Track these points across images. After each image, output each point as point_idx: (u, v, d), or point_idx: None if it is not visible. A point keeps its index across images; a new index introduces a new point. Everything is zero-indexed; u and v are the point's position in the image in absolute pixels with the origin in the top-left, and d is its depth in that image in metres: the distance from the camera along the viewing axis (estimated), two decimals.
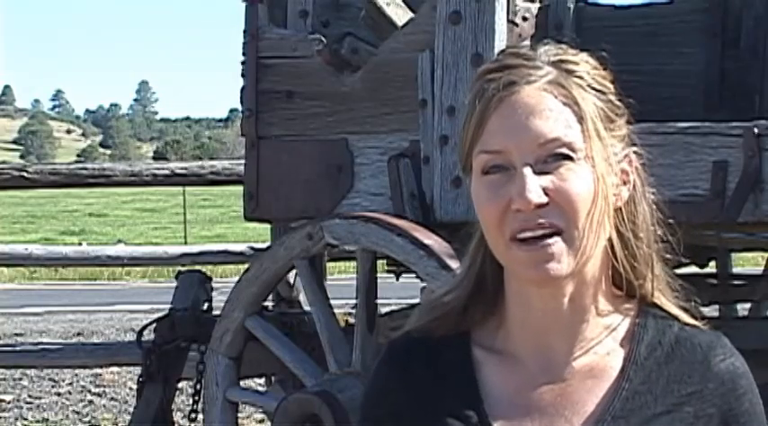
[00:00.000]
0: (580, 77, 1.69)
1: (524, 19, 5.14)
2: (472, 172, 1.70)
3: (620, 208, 1.71)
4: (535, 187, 1.63)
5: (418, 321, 1.79)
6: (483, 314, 1.76)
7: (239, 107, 5.16)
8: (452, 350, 1.75)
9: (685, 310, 1.76)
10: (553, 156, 1.64)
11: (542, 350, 1.71)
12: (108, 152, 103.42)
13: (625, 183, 1.72)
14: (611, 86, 1.72)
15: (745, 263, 12.98)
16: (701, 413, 1.69)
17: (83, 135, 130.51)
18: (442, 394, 1.73)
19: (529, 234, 1.63)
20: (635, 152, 1.74)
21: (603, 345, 1.72)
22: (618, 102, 1.72)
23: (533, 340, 1.71)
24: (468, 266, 1.77)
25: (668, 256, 1.77)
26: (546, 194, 1.63)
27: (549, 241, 1.63)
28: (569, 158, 1.65)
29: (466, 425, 1.69)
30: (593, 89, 1.69)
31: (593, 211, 1.65)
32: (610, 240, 1.70)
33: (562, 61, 1.70)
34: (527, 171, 1.63)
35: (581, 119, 1.66)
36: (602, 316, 1.72)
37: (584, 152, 1.66)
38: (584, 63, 1.71)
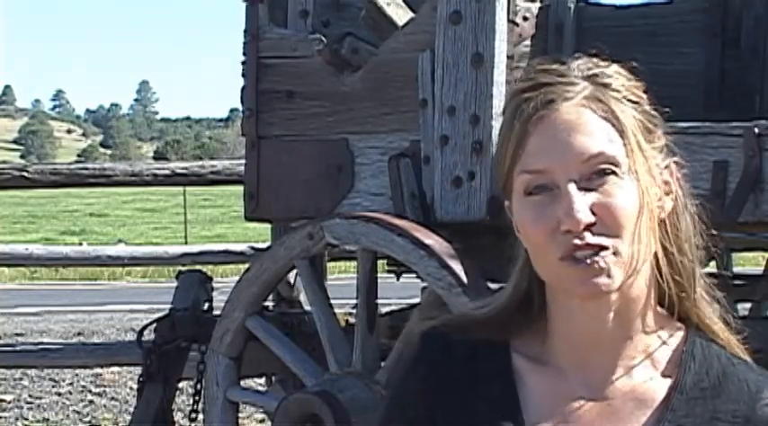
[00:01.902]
0: (616, 91, 1.66)
1: (525, 19, 5.15)
2: (512, 193, 1.66)
3: (664, 221, 1.68)
4: (582, 206, 1.59)
5: (451, 320, 1.77)
6: (526, 325, 1.72)
7: (240, 107, 5.15)
8: (492, 356, 1.71)
9: (727, 324, 1.73)
10: (597, 172, 1.61)
11: (584, 366, 1.68)
12: (108, 152, 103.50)
13: (668, 194, 1.69)
14: (645, 97, 1.69)
15: (746, 263, 12.98)
16: None
17: (83, 135, 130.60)
18: (479, 399, 1.69)
19: (579, 253, 1.60)
20: (675, 162, 1.72)
21: (647, 368, 1.68)
22: (654, 112, 1.70)
23: (576, 355, 1.68)
24: (515, 286, 1.73)
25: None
26: (593, 212, 1.60)
27: (599, 257, 1.60)
28: (613, 173, 1.62)
29: None
30: (630, 101, 1.67)
31: (640, 225, 1.62)
32: (654, 254, 1.67)
33: (596, 75, 1.67)
34: (573, 190, 1.60)
35: (622, 133, 1.63)
36: (647, 336, 1.68)
37: (628, 166, 1.63)
38: (618, 75, 1.68)
